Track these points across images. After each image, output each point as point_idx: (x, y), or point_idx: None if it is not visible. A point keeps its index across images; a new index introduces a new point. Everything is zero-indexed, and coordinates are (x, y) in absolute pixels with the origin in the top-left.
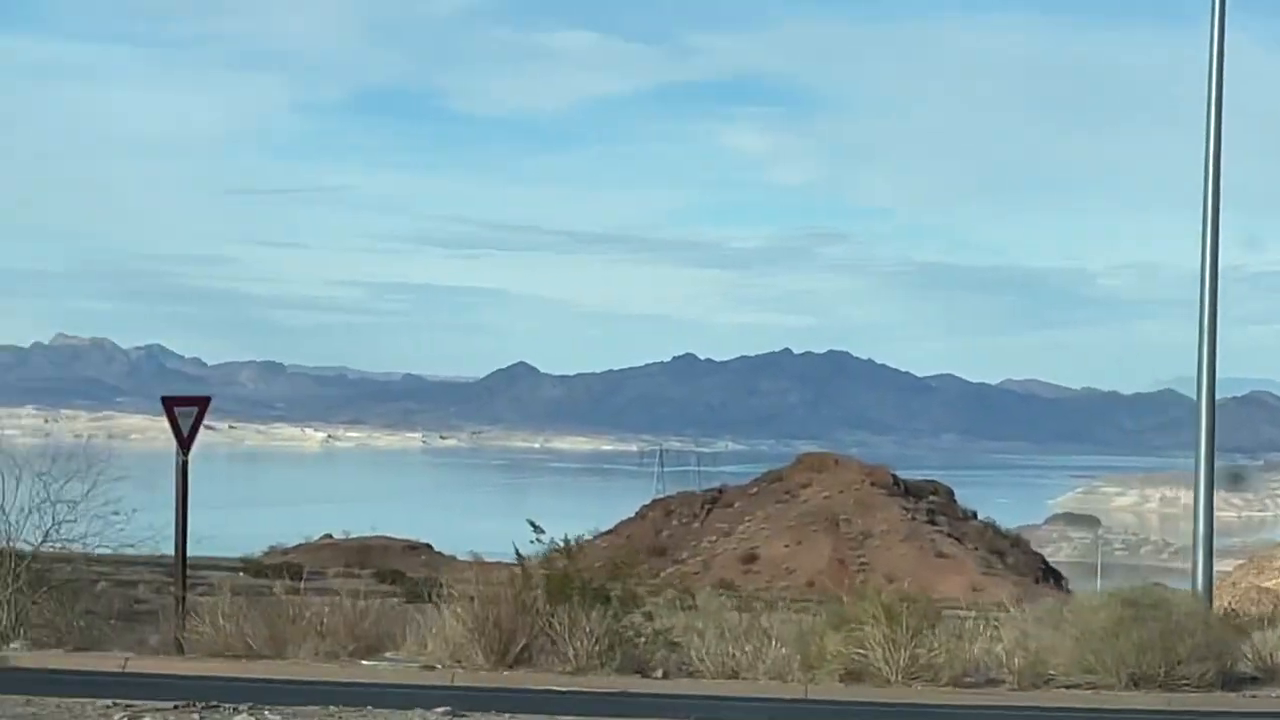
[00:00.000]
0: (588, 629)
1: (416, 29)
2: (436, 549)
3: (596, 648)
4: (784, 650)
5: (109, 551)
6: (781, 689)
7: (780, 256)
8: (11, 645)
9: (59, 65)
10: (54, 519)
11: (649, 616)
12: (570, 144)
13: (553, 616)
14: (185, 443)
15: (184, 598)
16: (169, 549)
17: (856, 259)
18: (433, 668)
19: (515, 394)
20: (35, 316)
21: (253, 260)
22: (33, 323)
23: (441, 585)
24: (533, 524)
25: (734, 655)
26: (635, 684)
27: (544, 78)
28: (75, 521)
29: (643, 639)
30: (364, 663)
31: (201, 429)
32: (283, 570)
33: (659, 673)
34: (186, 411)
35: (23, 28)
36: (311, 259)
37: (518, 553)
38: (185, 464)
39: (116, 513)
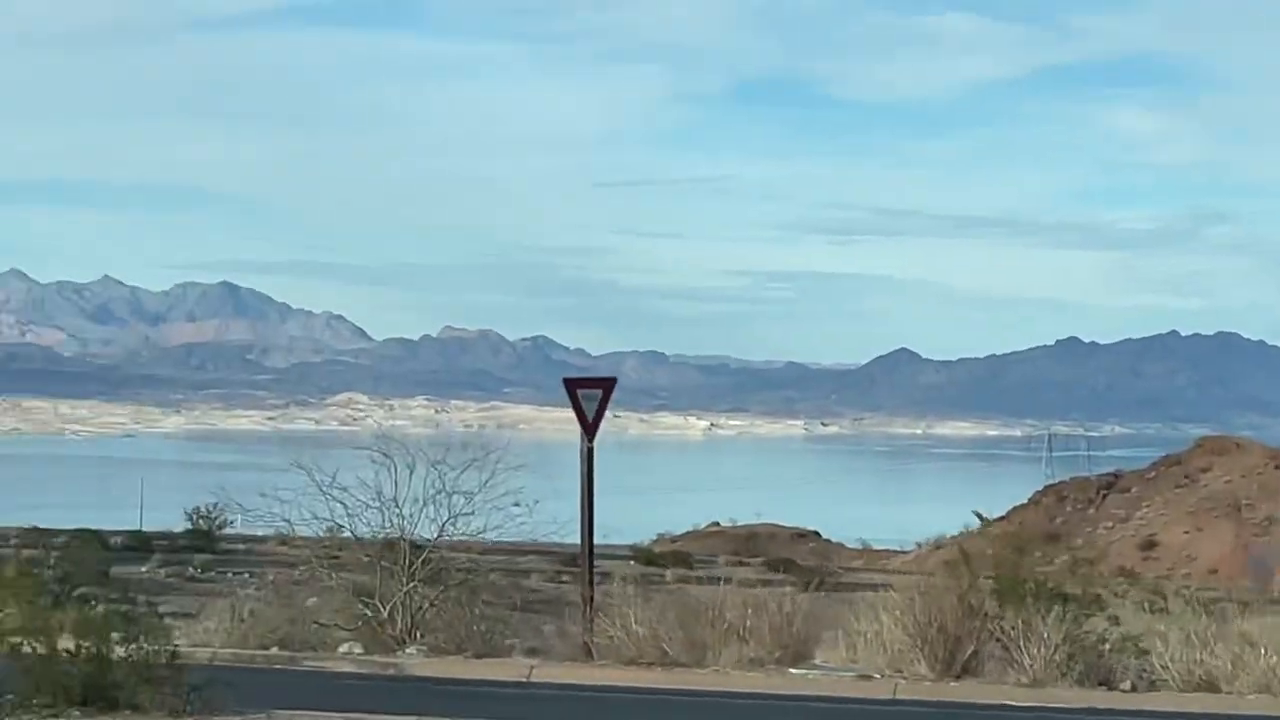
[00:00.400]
0: (1044, 635)
1: (795, 16)
2: (824, 536)
3: (1055, 656)
4: (1274, 659)
5: (499, 542)
6: (1274, 705)
7: (1167, 237)
8: (407, 650)
9: (445, 63)
10: (450, 511)
11: (1115, 620)
12: (952, 128)
13: (1003, 620)
14: (590, 428)
15: (592, 597)
16: (568, 540)
17: (1246, 238)
18: (870, 677)
19: (896, 380)
20: (425, 310)
21: (635, 251)
22: (422, 316)
23: (831, 573)
24: (979, 514)
25: (1202, 662)
26: (1100, 698)
27: (924, 62)
28: (473, 514)
29: (1106, 646)
30: (792, 671)
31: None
32: (673, 559)
33: (1126, 684)
34: (590, 394)
35: (410, 27)
36: (693, 249)
37: (962, 550)
38: (591, 451)
39: (517, 504)
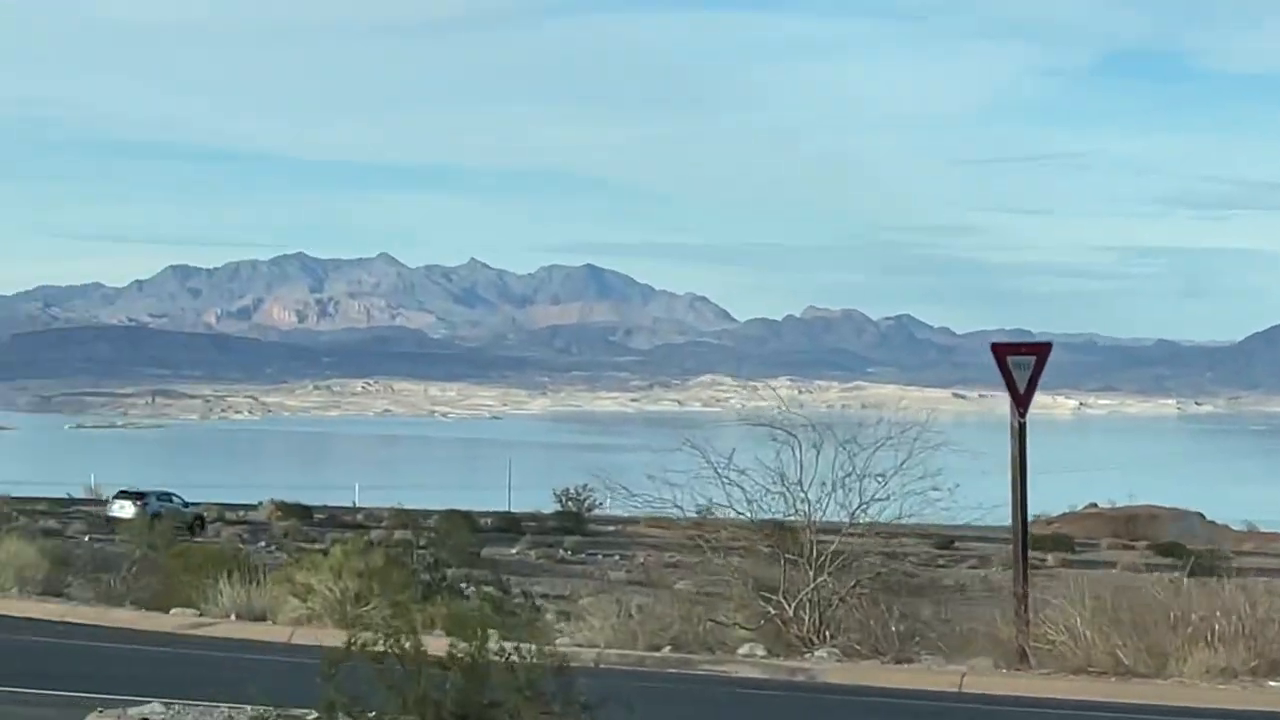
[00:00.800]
0: None
1: None
2: (1207, 517)
3: None
4: None
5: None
6: None
7: None
8: (816, 653)
9: (805, 42)
10: (861, 496)
11: None
12: None
13: None
14: (1022, 400)
15: (1027, 594)
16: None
17: None
18: None
19: (1274, 357)
20: (787, 290)
21: (999, 229)
22: (785, 296)
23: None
24: None
25: None
26: None
27: None
28: (887, 500)
29: None
30: (1271, 684)
31: (953, 396)
32: (1053, 542)
33: None
34: (1021, 361)
35: (771, 7)
36: (1059, 225)
37: None
38: (1023, 427)
39: (936, 488)
